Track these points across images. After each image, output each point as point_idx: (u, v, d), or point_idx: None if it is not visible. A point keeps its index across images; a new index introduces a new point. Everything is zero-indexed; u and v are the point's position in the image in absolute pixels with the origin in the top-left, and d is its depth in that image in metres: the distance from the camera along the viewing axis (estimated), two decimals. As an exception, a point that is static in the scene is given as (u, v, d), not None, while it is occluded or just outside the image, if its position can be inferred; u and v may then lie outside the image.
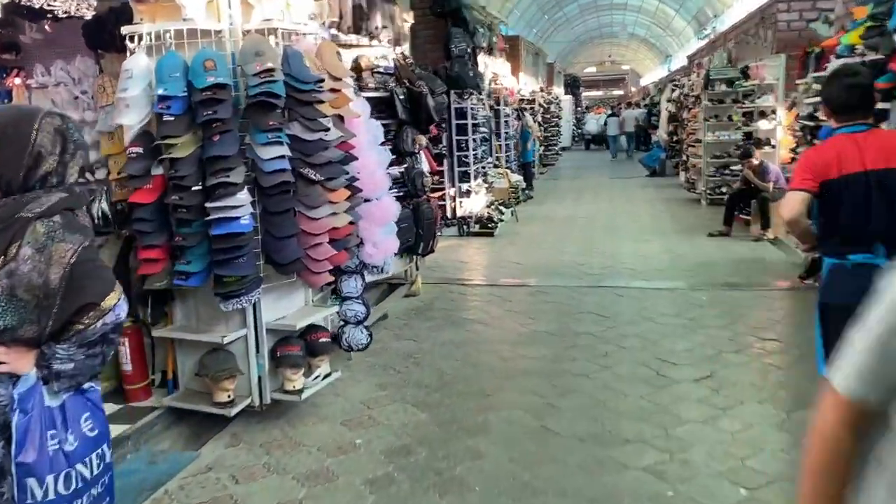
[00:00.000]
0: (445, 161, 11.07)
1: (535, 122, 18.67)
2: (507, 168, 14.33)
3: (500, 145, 14.49)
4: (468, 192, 11.37)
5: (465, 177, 11.33)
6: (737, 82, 12.23)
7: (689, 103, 15.36)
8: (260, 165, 3.77)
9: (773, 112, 10.73)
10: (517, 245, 10.07)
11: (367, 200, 4.52)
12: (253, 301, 3.92)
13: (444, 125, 10.90)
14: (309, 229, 3.99)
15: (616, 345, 5.64)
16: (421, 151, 7.66)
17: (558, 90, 30.02)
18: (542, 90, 22.64)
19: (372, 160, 4.45)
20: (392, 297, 7.26)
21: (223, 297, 3.83)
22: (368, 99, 6.77)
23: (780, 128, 10.49)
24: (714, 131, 13.01)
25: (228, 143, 3.71)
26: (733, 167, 12.25)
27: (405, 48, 7.57)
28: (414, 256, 7.73)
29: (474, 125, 11.39)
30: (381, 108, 6.98)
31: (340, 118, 4.26)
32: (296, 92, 3.89)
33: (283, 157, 3.81)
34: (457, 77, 10.86)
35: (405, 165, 7.17)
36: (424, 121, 7.10)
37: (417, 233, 7.30)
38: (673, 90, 19.15)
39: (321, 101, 4.00)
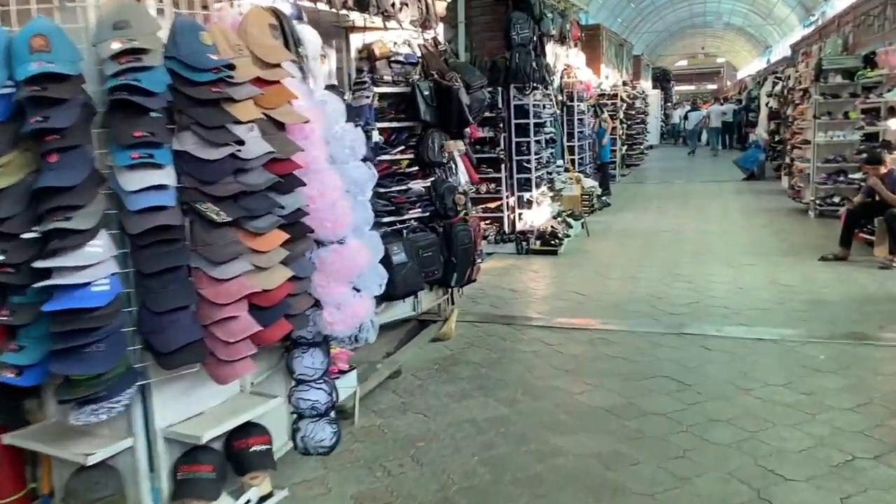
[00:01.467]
0: (503, 167, 9.60)
1: (614, 118, 16.84)
2: (579, 172, 12.69)
3: (570, 147, 12.84)
4: (530, 203, 9.82)
5: (526, 184, 9.78)
6: (858, 72, 10.18)
7: (795, 98, 13.30)
8: (123, 201, 2.40)
9: (907, 108, 8.72)
10: (584, 268, 8.45)
11: (322, 244, 3.09)
12: (118, 409, 2.55)
13: (501, 125, 9.46)
14: (213, 296, 2.60)
15: (699, 437, 4.03)
16: (459, 159, 6.23)
17: (646, 84, 27.91)
18: (625, 84, 20.71)
19: (333, 185, 3.02)
20: (414, 343, 5.84)
21: (76, 404, 2.49)
22: (383, 95, 5.43)
23: (916, 127, 8.49)
24: (826, 131, 11.01)
25: (71, 166, 2.36)
26: (851, 175, 10.24)
27: (438, 32, 6.11)
28: (449, 289, 6.31)
29: (538, 125, 9.81)
30: (401, 106, 5.60)
31: (279, 125, 2.85)
32: (186, 85, 2.51)
33: (162, 186, 2.44)
34: (517, 69, 9.35)
35: (432, 179, 5.75)
36: (456, 122, 5.64)
37: (449, 261, 5.87)
38: (774, 83, 17.02)
39: (232, 100, 2.60)
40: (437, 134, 5.60)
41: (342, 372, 4.06)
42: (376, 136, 5.28)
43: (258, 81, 2.75)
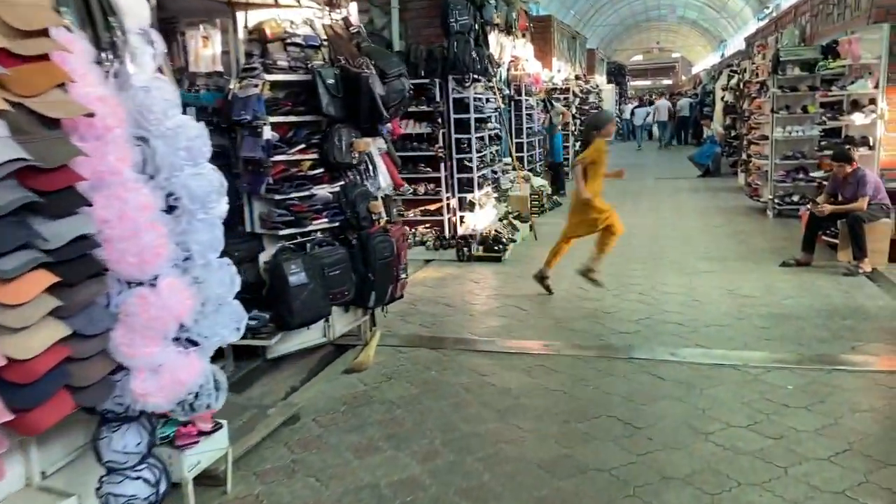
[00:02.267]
0: (443, 165, 8.81)
1: (568, 111, 16.14)
2: (528, 171, 11.96)
3: (518, 143, 12.09)
4: (472, 205, 9.01)
5: (468, 185, 8.98)
6: (819, 64, 9.58)
7: (752, 91, 12.75)
8: None
9: (872, 102, 8.12)
10: (528, 277, 7.60)
11: (131, 285, 2.24)
12: None
13: (440, 120, 8.67)
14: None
15: (648, 502, 3.28)
16: (379, 159, 5.41)
17: (600, 79, 27.36)
18: (578, 78, 20.05)
19: (137, 204, 2.17)
20: (324, 376, 5.01)
21: None
22: (276, 84, 4.58)
23: (881, 123, 7.89)
24: (785, 126, 10.43)
25: None
26: (812, 173, 9.67)
27: (351, 13, 5.26)
28: (368, 310, 5.50)
29: (480, 120, 9.01)
30: (300, 97, 4.75)
31: (49, 120, 1.99)
32: None
33: None
34: (455, 59, 8.53)
35: (341, 183, 4.92)
36: (367, 116, 4.80)
37: (367, 278, 5.05)
38: (730, 76, 16.54)
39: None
40: (344, 130, 4.77)
41: (203, 433, 3.21)
42: (268, 133, 4.42)
43: (4, 56, 1.89)
